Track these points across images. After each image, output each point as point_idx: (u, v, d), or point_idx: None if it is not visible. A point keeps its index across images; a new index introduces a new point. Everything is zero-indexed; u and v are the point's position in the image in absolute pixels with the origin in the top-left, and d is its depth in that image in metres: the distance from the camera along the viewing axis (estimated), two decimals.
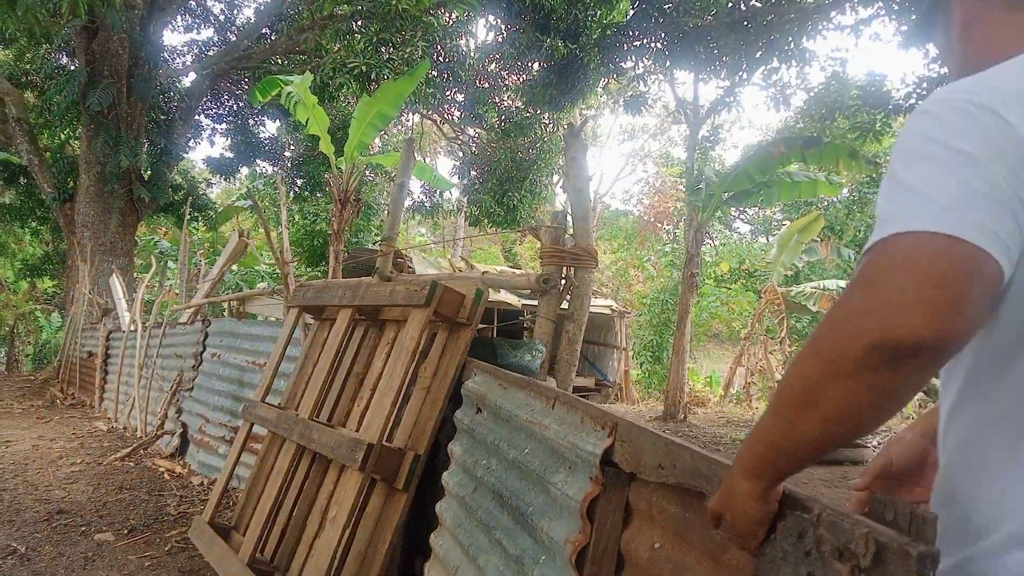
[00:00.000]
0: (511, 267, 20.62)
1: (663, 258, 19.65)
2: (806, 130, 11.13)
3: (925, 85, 8.48)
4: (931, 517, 0.80)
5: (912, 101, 8.48)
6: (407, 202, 19.51)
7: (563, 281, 3.09)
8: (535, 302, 11.11)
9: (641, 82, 10.09)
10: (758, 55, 9.09)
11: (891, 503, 0.84)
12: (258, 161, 18.29)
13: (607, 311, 13.67)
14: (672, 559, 1.40)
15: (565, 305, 3.17)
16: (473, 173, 16.24)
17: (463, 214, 17.03)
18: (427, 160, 26.50)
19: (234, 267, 13.50)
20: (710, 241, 19.97)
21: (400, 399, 2.93)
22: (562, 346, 3.09)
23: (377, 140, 23.68)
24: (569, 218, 3.10)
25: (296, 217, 17.93)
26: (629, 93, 10.77)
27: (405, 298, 3.03)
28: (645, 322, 18.26)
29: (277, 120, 16.89)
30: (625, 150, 44.54)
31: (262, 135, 17.71)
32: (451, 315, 2.97)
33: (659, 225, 20.69)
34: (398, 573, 2.94)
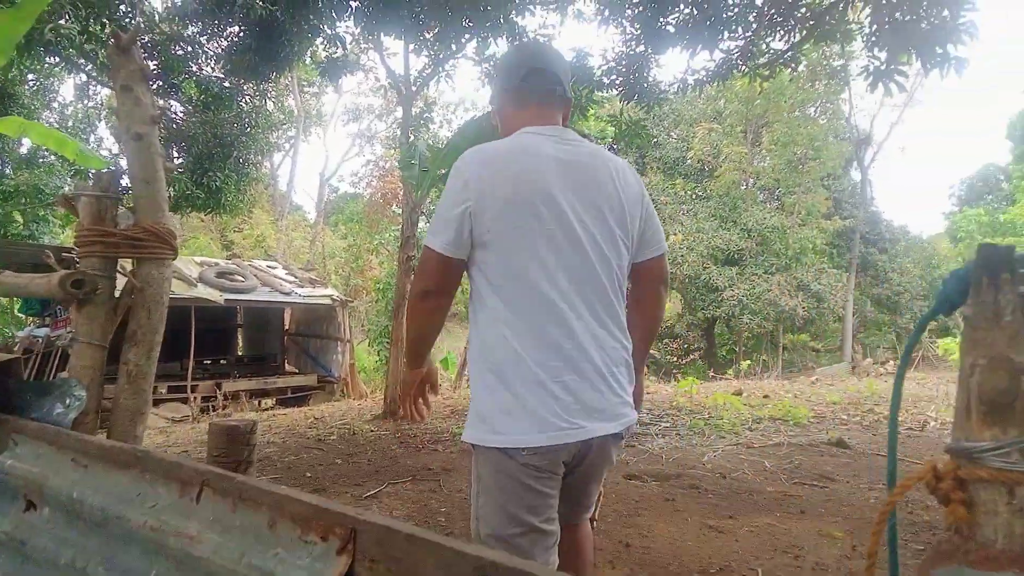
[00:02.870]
0: (229, 257, 18.44)
1: (396, 241, 18.95)
2: None
3: (624, 62, 8.55)
4: None
5: (612, 78, 8.50)
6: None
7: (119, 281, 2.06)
8: (249, 296, 9.47)
9: (340, 45, 9.07)
10: (467, 23, 8.59)
11: None
12: None
13: (328, 301, 12.51)
14: None
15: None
16: (173, 152, 14.21)
17: None
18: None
19: None
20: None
21: None
22: (121, 384, 2.06)
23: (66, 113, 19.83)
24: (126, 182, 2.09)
25: None
26: (329, 55, 9.71)
27: None
28: (382, 308, 17.45)
29: None
30: (352, 131, 42.05)
31: None
32: None
33: (389, 207, 19.87)
34: None
